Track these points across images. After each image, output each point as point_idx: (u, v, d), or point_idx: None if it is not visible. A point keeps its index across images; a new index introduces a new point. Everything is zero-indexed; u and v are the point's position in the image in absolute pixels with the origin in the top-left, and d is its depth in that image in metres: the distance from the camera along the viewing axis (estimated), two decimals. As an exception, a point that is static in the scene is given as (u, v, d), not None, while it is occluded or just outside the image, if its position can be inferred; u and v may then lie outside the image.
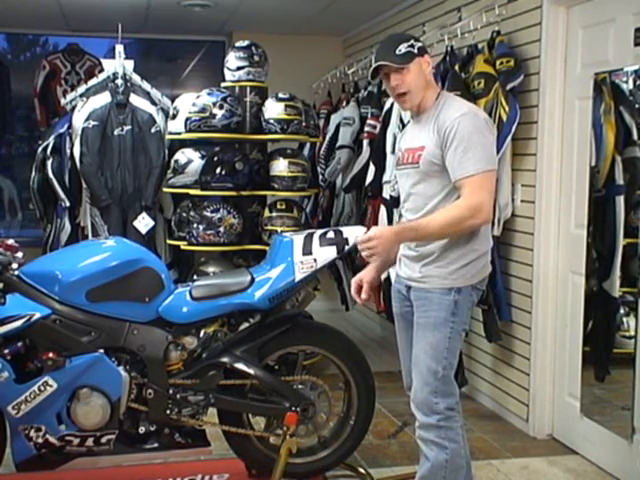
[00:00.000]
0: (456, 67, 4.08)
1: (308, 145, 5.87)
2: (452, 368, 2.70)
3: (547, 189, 3.74)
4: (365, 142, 5.05)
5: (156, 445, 3.05)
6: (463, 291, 2.66)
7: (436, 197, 2.65)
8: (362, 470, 3.35)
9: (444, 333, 2.65)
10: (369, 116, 5.10)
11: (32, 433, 2.86)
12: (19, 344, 2.85)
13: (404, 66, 2.66)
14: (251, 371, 3.05)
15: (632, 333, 3.28)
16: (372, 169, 4.70)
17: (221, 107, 4.56)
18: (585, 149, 3.51)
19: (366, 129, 5.07)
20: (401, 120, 4.47)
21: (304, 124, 4.71)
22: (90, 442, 2.93)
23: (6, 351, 2.81)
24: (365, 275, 2.90)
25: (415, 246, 2.72)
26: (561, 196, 3.72)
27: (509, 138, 3.76)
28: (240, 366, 3.05)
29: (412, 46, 2.67)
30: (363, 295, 2.85)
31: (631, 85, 3.29)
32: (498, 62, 3.80)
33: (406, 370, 2.87)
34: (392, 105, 4.62)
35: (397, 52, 2.67)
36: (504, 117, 3.73)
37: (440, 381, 2.66)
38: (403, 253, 2.81)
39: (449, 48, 4.25)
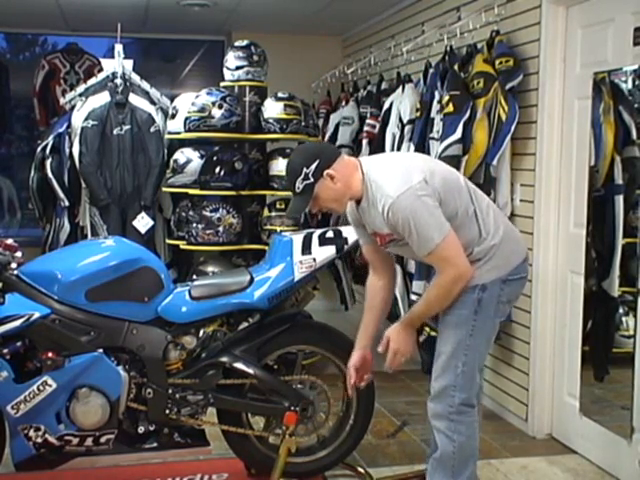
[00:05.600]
0: (455, 67, 4.08)
1: (307, 145, 5.86)
2: (473, 365, 2.72)
3: (546, 189, 3.74)
4: (364, 142, 5.05)
5: (155, 445, 3.05)
6: (489, 288, 2.67)
7: None
8: (361, 469, 3.35)
9: (466, 331, 2.68)
10: (368, 115, 5.10)
11: (31, 433, 2.86)
12: (18, 344, 2.85)
13: (307, 205, 2.69)
14: (250, 371, 3.05)
15: (631, 332, 3.28)
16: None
17: (220, 107, 4.56)
18: (584, 149, 3.51)
19: (365, 129, 5.07)
20: (400, 120, 4.47)
21: (303, 123, 4.71)
22: (89, 442, 2.93)
23: (5, 351, 2.81)
24: (352, 360, 2.94)
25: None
26: (560, 196, 3.72)
27: (508, 137, 3.75)
28: (239, 366, 3.05)
29: (306, 176, 2.64)
30: (352, 380, 2.93)
31: (630, 85, 3.30)
32: (497, 62, 3.80)
33: None
34: (391, 104, 4.63)
35: (297, 190, 2.67)
36: (503, 117, 3.73)
37: (459, 376, 2.69)
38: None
39: (448, 48, 4.25)
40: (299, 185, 2.64)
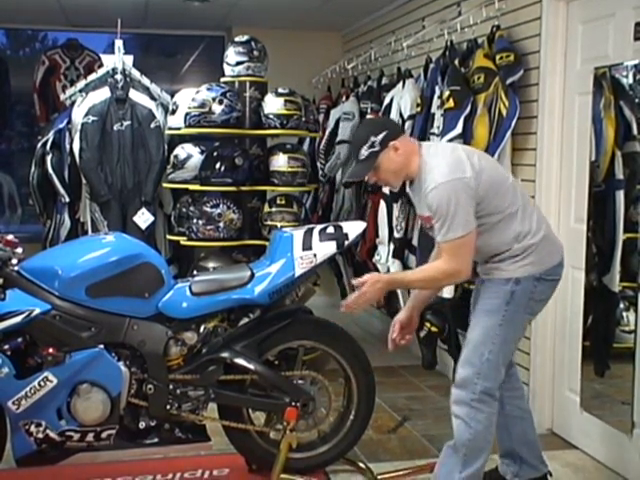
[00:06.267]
0: (456, 62, 4.07)
1: (308, 140, 5.86)
2: (499, 355, 2.78)
3: (547, 184, 3.74)
4: (365, 137, 5.03)
5: (156, 440, 3.06)
6: (522, 282, 2.76)
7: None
8: (362, 465, 3.35)
9: (495, 320, 2.76)
10: (369, 111, 5.10)
11: (32, 428, 2.86)
12: (19, 340, 2.85)
13: (369, 171, 2.82)
14: (251, 366, 3.05)
15: (632, 328, 3.28)
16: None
17: (220, 102, 4.56)
18: (585, 144, 3.50)
19: (366, 124, 5.06)
20: (401, 115, 4.46)
21: (304, 119, 4.71)
22: (90, 437, 2.93)
23: (6, 347, 2.81)
24: (399, 315, 3.05)
25: (481, 262, 2.87)
26: (561, 191, 3.72)
27: (509, 133, 3.75)
28: (240, 361, 3.05)
29: (372, 145, 2.77)
30: (394, 335, 3.00)
31: (631, 80, 3.29)
32: (498, 57, 3.80)
33: None
34: (392, 100, 4.62)
35: (360, 158, 2.80)
36: (504, 112, 3.72)
37: (484, 365, 2.76)
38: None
39: (449, 43, 4.24)
40: (364, 152, 2.77)
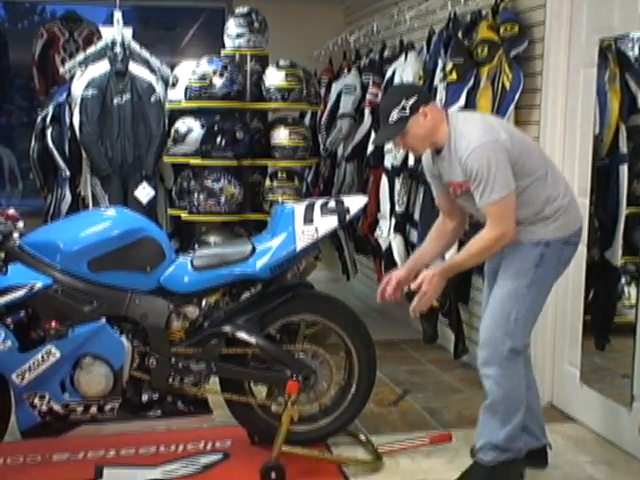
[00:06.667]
0: (459, 34, 4.03)
1: (309, 114, 5.83)
2: (527, 316, 2.85)
3: (550, 157, 3.71)
4: (367, 110, 5.01)
5: (159, 413, 3.08)
6: (552, 245, 2.81)
7: None
8: (363, 437, 3.37)
9: (524, 281, 2.82)
10: (371, 84, 5.06)
11: (36, 401, 2.89)
12: (22, 313, 2.87)
13: (398, 135, 2.82)
14: (253, 340, 3.06)
15: (633, 302, 3.28)
16: (374, 138, 4.67)
17: (221, 75, 4.52)
18: (589, 117, 3.48)
19: (368, 97, 5.03)
20: (403, 88, 4.43)
21: (305, 92, 4.68)
22: (94, 410, 2.96)
23: (9, 320, 2.83)
24: (396, 271, 3.07)
25: None
26: (564, 164, 3.70)
27: (512, 106, 3.72)
28: (242, 335, 3.06)
29: (403, 108, 2.77)
30: (388, 290, 3.00)
31: (637, 52, 3.25)
32: (502, 28, 3.76)
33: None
34: (394, 72, 4.58)
35: (390, 121, 2.80)
36: (507, 85, 3.69)
37: (511, 324, 2.81)
38: None
39: (452, 14, 4.19)
40: (394, 115, 2.78)
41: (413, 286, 2.88)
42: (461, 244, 3.06)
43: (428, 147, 2.90)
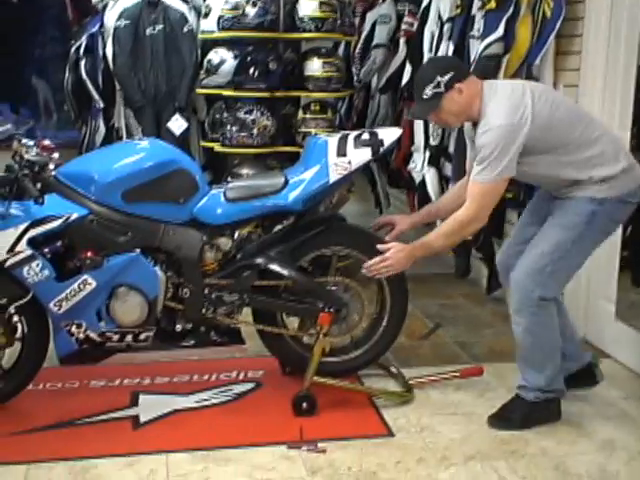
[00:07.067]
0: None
1: (343, 44, 5.71)
2: (564, 270, 2.84)
3: (590, 89, 3.62)
4: (402, 41, 4.91)
5: (192, 342, 3.13)
6: (606, 204, 2.75)
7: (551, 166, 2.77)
8: (394, 369, 3.40)
9: (570, 235, 2.77)
10: (406, 13, 4.94)
11: (74, 329, 2.95)
12: (58, 243, 2.90)
13: (432, 112, 2.83)
14: (285, 272, 3.08)
15: (672, 238, 3.23)
16: (409, 69, 4.58)
17: (254, 4, 4.45)
18: (633, 47, 3.37)
19: (403, 27, 4.93)
20: (440, 17, 4.32)
21: (339, 22, 4.59)
22: (129, 338, 3.01)
23: (46, 250, 2.87)
24: (399, 221, 3.16)
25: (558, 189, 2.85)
26: (605, 97, 3.59)
27: (552, 36, 3.61)
28: (274, 267, 3.07)
29: (438, 84, 2.76)
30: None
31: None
32: (543, -46, 3.62)
33: (504, 256, 3.08)
34: (430, 1, 4.46)
35: (424, 97, 2.79)
36: (548, 13, 3.58)
37: (545, 275, 2.78)
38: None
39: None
40: (428, 91, 2.77)
41: (380, 246, 2.94)
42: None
43: (463, 121, 2.91)
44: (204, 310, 3.06)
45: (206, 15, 4.71)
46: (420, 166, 4.52)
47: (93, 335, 2.97)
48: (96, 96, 4.95)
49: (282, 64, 4.59)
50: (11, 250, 2.81)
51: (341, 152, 3.05)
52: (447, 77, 2.75)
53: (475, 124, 2.83)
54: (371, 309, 3.31)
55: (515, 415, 2.94)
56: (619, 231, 3.51)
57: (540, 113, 2.72)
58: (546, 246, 2.79)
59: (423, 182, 4.47)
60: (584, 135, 2.76)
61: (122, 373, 3.33)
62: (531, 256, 2.82)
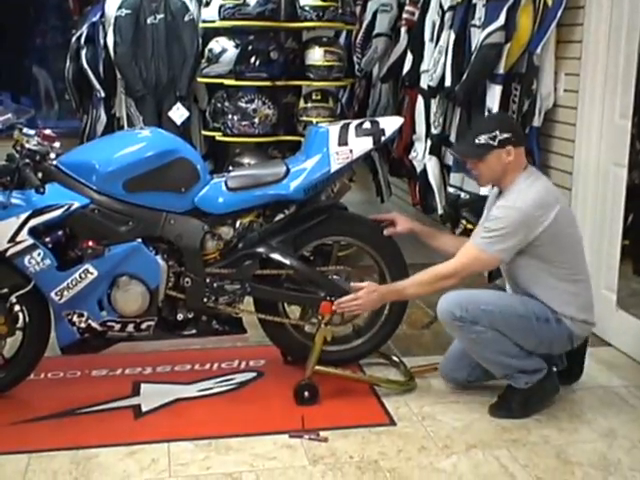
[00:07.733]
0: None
1: (344, 33, 5.70)
2: (491, 315, 2.89)
3: (592, 78, 3.60)
4: (403, 30, 4.88)
5: (194, 331, 3.13)
6: (561, 324, 2.88)
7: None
8: (395, 358, 3.41)
9: (522, 312, 2.87)
10: (407, 2, 4.90)
11: (75, 318, 2.95)
12: (59, 233, 2.90)
13: (475, 158, 2.87)
14: (287, 261, 3.08)
15: (673, 227, 3.23)
16: (410, 58, 4.57)
17: (255, -7, 4.43)
18: (634, 36, 3.35)
19: (404, 16, 4.89)
20: (441, 6, 4.30)
21: (340, 11, 4.57)
22: (130, 328, 3.02)
23: (47, 239, 2.87)
24: (401, 222, 3.19)
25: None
26: (606, 85, 3.58)
27: (554, 24, 3.59)
28: (276, 256, 3.07)
29: (493, 138, 2.80)
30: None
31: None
32: (545, -59, 3.60)
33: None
34: (432, -10, 4.43)
35: (476, 142, 2.83)
36: (549, 2, 3.56)
37: (477, 307, 2.89)
38: None
39: None
40: (482, 139, 2.82)
41: (353, 285, 2.98)
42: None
43: (492, 182, 2.97)
44: (205, 299, 3.06)
45: (207, 4, 4.71)
46: (421, 155, 4.51)
47: (94, 324, 2.98)
48: (97, 85, 4.95)
49: (283, 53, 4.58)
50: (12, 239, 2.82)
51: (342, 141, 3.05)
52: (505, 136, 2.80)
53: (499, 194, 2.91)
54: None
55: (514, 404, 2.95)
56: (620, 220, 3.52)
57: (561, 229, 2.81)
58: (497, 300, 2.89)
59: (424, 171, 4.46)
60: (572, 271, 2.89)
61: (123, 362, 3.34)
62: (478, 293, 2.97)
